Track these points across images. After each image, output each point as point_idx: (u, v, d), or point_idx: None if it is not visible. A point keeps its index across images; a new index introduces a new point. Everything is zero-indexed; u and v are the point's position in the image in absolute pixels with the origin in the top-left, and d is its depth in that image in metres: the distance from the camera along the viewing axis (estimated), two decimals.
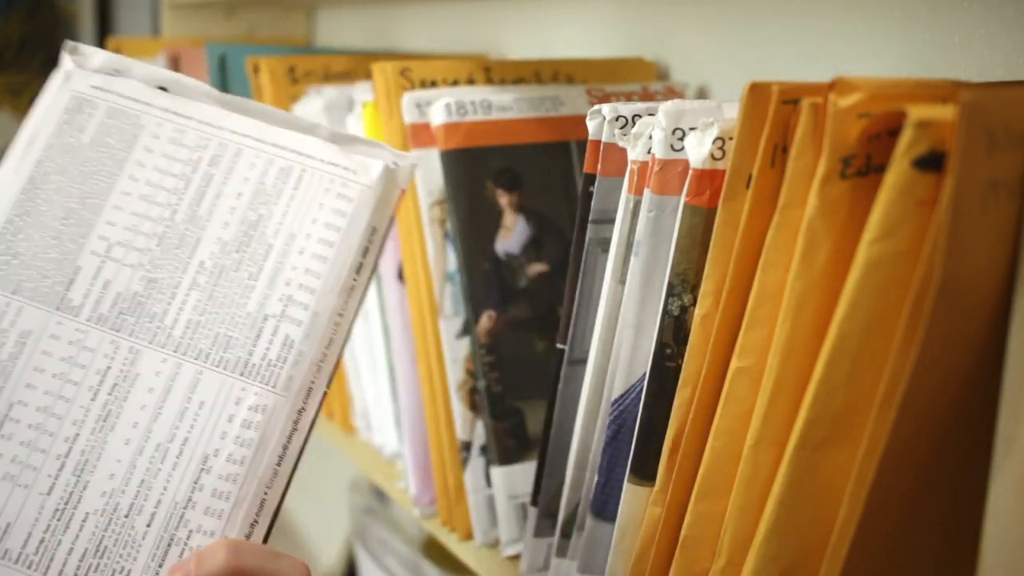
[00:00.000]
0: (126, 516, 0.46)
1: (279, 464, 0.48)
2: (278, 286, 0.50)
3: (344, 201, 0.51)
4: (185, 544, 0.46)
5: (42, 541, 0.46)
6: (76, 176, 0.51)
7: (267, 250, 0.50)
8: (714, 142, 0.45)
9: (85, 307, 0.49)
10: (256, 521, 0.47)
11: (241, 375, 0.48)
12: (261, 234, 0.51)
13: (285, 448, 0.48)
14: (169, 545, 0.46)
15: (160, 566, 0.46)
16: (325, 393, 0.50)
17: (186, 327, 0.49)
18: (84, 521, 0.46)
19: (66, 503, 0.47)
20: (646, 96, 0.71)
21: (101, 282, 0.50)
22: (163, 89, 0.54)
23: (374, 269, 0.52)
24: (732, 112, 0.46)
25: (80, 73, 0.54)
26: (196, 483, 0.47)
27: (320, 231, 0.51)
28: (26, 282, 0.49)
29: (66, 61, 0.54)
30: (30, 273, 0.50)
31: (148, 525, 0.46)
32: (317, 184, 0.52)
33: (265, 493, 0.47)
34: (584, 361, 0.53)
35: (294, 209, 0.51)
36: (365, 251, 0.51)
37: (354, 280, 0.51)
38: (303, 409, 0.49)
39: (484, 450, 0.66)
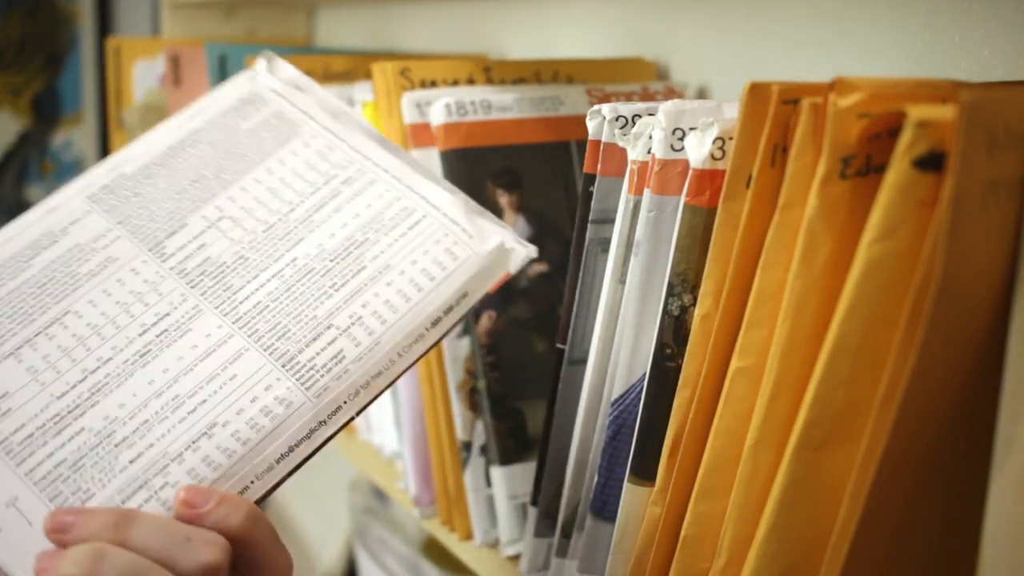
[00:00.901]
0: (116, 445, 0.46)
1: (278, 461, 0.48)
2: (354, 304, 0.51)
3: (449, 257, 0.52)
4: (155, 493, 0.46)
5: (31, 436, 0.46)
6: (221, 152, 0.55)
7: (358, 269, 0.52)
8: (714, 142, 0.45)
9: (174, 257, 0.51)
10: None
11: (283, 366, 0.49)
12: (360, 254, 0.52)
13: (291, 449, 0.48)
14: (140, 488, 0.46)
15: (123, 502, 0.45)
16: (352, 419, 0.50)
17: (254, 306, 0.50)
18: (77, 434, 0.47)
19: (69, 412, 0.47)
20: (646, 96, 0.71)
21: (199, 243, 0.52)
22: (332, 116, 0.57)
23: (450, 330, 0.52)
24: (732, 112, 0.46)
25: (267, 77, 0.58)
26: (194, 443, 0.47)
27: (415, 273, 0.52)
28: (135, 219, 0.52)
29: (260, 64, 0.59)
30: (141, 213, 0.53)
31: (131, 462, 0.46)
32: (431, 233, 0.53)
33: (251, 482, 0.47)
34: (584, 361, 0.53)
35: (400, 245, 0.52)
36: (448, 309, 0.52)
37: (426, 330, 0.51)
38: (324, 422, 0.49)
39: (484, 450, 0.66)
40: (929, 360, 0.34)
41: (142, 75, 1.26)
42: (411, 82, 0.67)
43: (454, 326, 0.53)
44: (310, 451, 0.49)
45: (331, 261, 0.52)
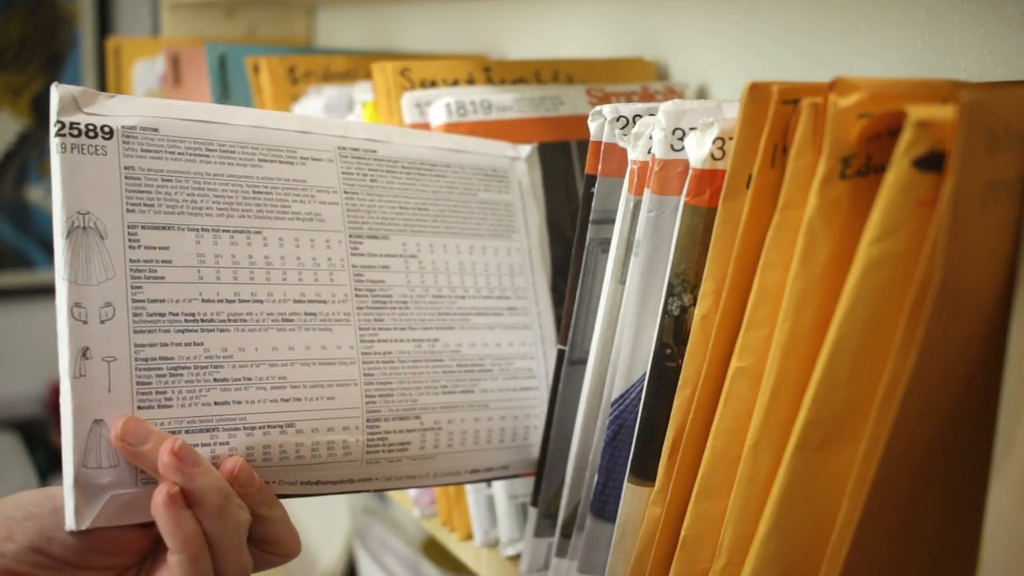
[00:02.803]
0: (215, 380, 0.48)
1: (302, 484, 0.50)
2: (444, 415, 0.54)
3: (524, 433, 0.57)
4: (214, 445, 0.47)
5: (161, 315, 0.47)
6: (451, 202, 0.57)
7: (468, 390, 0.55)
8: (714, 142, 0.45)
9: (361, 258, 0.53)
10: None
11: (367, 421, 0.51)
12: (478, 379, 0.56)
13: (316, 484, 0.51)
14: (206, 431, 0.47)
15: (184, 433, 0.47)
16: (367, 492, 0.53)
17: (384, 353, 0.52)
18: (194, 344, 0.48)
19: (202, 320, 0.48)
20: (646, 96, 0.71)
21: (385, 262, 0.54)
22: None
23: (469, 483, 0.59)
24: (732, 112, 0.46)
25: (523, 165, 0.61)
26: (269, 427, 0.48)
27: (497, 426, 0.56)
28: (357, 198, 0.54)
29: (524, 149, 0.62)
30: (365, 199, 0.54)
31: (215, 403, 0.48)
32: (531, 406, 0.58)
33: (272, 482, 0.49)
34: (584, 361, 0.53)
35: (507, 396, 0.57)
36: (489, 470, 0.57)
37: (465, 473, 0.56)
38: (352, 482, 0.51)
39: None
40: (929, 360, 0.34)
41: (142, 75, 1.26)
42: (411, 82, 0.67)
43: (477, 483, 0.58)
44: (325, 493, 0.51)
45: (458, 366, 0.55)
